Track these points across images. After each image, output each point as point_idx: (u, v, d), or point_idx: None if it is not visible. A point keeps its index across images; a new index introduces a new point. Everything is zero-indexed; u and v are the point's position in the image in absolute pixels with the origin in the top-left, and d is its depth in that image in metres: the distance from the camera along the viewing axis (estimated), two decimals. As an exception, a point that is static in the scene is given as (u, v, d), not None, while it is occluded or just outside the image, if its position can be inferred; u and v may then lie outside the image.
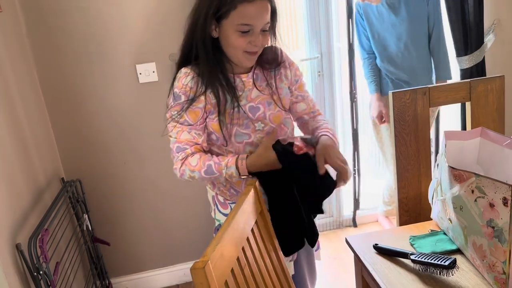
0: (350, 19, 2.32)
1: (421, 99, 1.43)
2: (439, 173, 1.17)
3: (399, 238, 1.25)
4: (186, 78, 1.21)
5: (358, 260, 1.21)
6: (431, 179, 1.50)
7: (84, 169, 2.12)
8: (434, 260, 1.05)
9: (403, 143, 1.45)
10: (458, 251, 1.14)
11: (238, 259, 0.92)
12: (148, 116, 2.12)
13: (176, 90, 1.23)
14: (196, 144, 1.24)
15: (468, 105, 1.46)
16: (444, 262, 1.03)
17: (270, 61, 1.31)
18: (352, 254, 1.25)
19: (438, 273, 1.05)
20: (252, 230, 1.03)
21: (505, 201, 0.90)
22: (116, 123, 2.11)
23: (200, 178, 1.24)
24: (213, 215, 1.45)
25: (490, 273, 0.98)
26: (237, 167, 1.17)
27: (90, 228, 2.04)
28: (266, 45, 1.26)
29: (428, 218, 1.51)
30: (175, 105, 1.23)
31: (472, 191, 1.00)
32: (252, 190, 1.07)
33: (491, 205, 0.94)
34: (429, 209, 1.53)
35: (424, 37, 2.20)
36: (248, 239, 0.99)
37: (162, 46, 2.04)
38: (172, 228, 2.31)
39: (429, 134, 1.48)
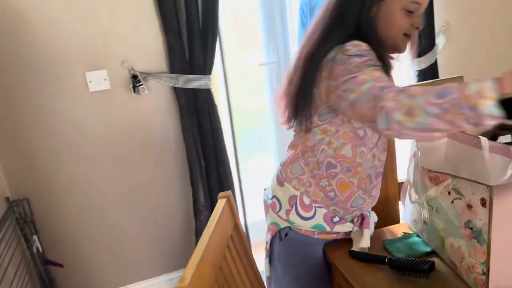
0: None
1: (386, 101, 1.43)
2: (412, 175, 1.17)
3: (373, 242, 1.23)
4: (362, 46, 1.01)
5: (334, 268, 1.17)
6: (397, 182, 1.51)
7: (32, 187, 1.96)
8: (412, 264, 1.04)
9: (369, 146, 1.44)
10: (433, 253, 1.14)
11: (216, 279, 0.86)
12: (100, 127, 2.00)
13: (357, 50, 0.99)
14: None
15: (430, 106, 1.48)
16: (423, 266, 1.02)
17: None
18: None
19: (416, 277, 1.04)
20: (227, 246, 0.97)
21: (483, 202, 0.90)
22: (65, 135, 1.97)
23: (425, 108, 0.79)
24: (283, 215, 1.17)
25: (469, 274, 0.98)
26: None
27: (40, 250, 1.89)
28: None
29: (396, 221, 1.52)
30: (363, 61, 0.97)
31: (449, 193, 0.99)
32: (226, 202, 1.01)
33: (469, 206, 0.94)
34: (397, 212, 1.53)
35: None
36: (225, 256, 0.93)
37: (113, 52, 1.94)
38: (129, 245, 2.19)
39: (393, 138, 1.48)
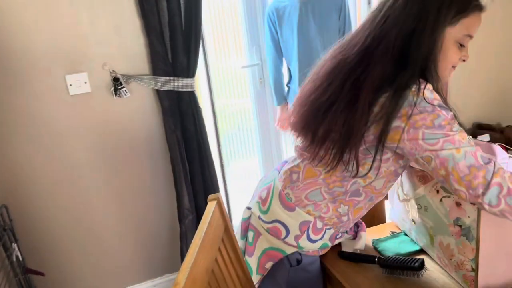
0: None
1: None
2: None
3: (361, 242, 1.24)
4: (434, 93, 0.94)
5: (325, 269, 1.17)
6: (383, 181, 1.52)
7: (10, 193, 1.90)
8: (402, 263, 1.05)
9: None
10: (421, 251, 1.15)
11: (209, 283, 0.85)
12: (81, 131, 1.96)
13: (438, 102, 0.92)
14: None
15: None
16: (413, 264, 1.03)
17: None
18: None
19: (407, 275, 1.05)
20: (219, 249, 0.96)
21: (471, 200, 0.91)
22: (45, 140, 1.92)
23: None
24: (291, 242, 1.11)
25: (458, 271, 0.99)
26: None
27: (20, 258, 1.83)
28: None
29: (382, 220, 1.53)
30: (450, 117, 0.92)
31: (437, 191, 1.01)
32: (216, 204, 0.99)
33: (458, 204, 0.95)
34: (382, 211, 1.55)
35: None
36: (216, 260, 0.92)
37: (93, 54, 1.90)
38: (111, 251, 2.15)
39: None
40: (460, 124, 0.93)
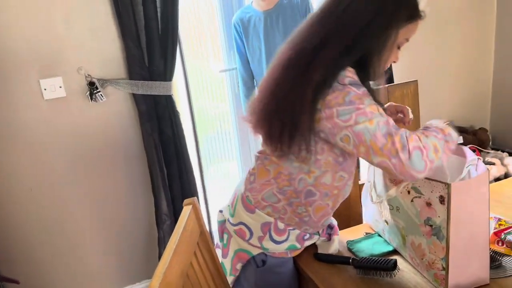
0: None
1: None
2: (372, 176, 1.20)
3: (337, 244, 1.25)
4: (354, 73, 0.99)
5: (301, 271, 1.18)
6: (358, 183, 1.55)
7: (-18, 200, 1.87)
8: (376, 263, 1.06)
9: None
10: (394, 252, 1.17)
11: (183, 287, 0.85)
12: (56, 136, 1.93)
13: (350, 79, 0.96)
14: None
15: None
16: (387, 264, 1.05)
17: None
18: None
19: (381, 276, 1.07)
20: (194, 253, 0.96)
21: (441, 199, 0.94)
22: (19, 146, 1.88)
23: (438, 142, 0.96)
24: (255, 243, 1.13)
25: (429, 270, 1.01)
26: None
27: (-7, 267, 1.79)
28: None
29: (358, 221, 1.55)
30: (362, 92, 0.96)
31: (408, 192, 1.03)
32: (192, 209, 0.99)
33: (428, 204, 0.98)
34: (358, 213, 1.57)
35: None
36: (191, 264, 0.92)
37: (68, 58, 1.88)
38: (88, 257, 2.12)
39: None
40: (377, 101, 0.99)
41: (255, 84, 2.30)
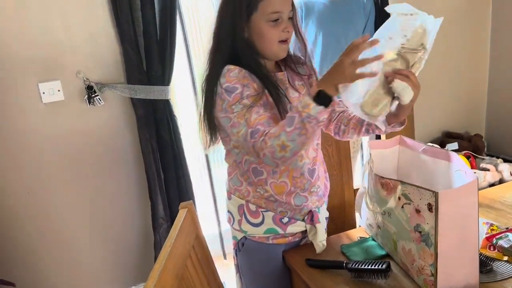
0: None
1: (340, 111, 1.49)
2: (366, 182, 1.22)
3: (330, 248, 1.27)
4: (233, 71, 1.10)
5: (295, 275, 1.20)
6: (353, 188, 1.57)
7: (-20, 202, 1.88)
8: (370, 266, 1.08)
9: (325, 154, 1.49)
10: (387, 256, 1.19)
11: (178, 289, 0.86)
12: (54, 139, 1.95)
13: (227, 85, 1.09)
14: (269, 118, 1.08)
15: (382, 115, 1.55)
16: (381, 266, 1.06)
17: (297, 58, 1.25)
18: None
19: (374, 278, 1.09)
20: (189, 255, 0.98)
21: (429, 207, 0.96)
22: (16, 149, 1.90)
23: (289, 138, 1.01)
24: (236, 227, 1.24)
25: (419, 276, 1.03)
26: (309, 95, 1.00)
27: (-10, 269, 1.80)
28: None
29: (352, 226, 1.57)
30: (233, 99, 1.07)
31: (399, 198, 1.05)
32: (187, 212, 1.01)
33: (417, 211, 1.00)
34: (353, 217, 1.59)
35: None
36: (186, 266, 0.93)
37: (67, 62, 1.90)
38: (85, 260, 2.13)
39: (349, 145, 1.54)
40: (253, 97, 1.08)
41: None
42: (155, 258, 2.17)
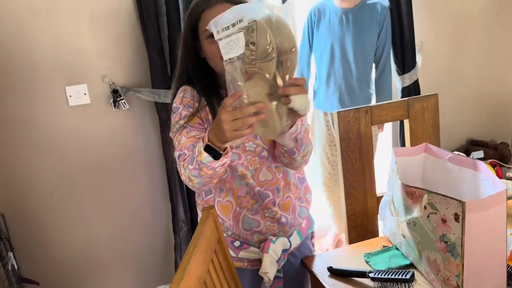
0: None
1: (364, 117, 1.48)
2: (391, 190, 1.20)
3: (353, 256, 1.26)
4: (183, 93, 1.18)
5: (317, 283, 1.19)
6: (375, 195, 1.55)
7: (7, 202, 1.92)
8: (394, 275, 1.06)
9: (348, 161, 1.48)
10: (411, 265, 1.17)
11: (201, 294, 0.87)
12: (80, 142, 1.98)
13: (174, 105, 1.18)
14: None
15: (406, 122, 1.53)
16: (405, 276, 1.05)
17: None
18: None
19: (398, 287, 1.07)
20: (211, 260, 0.98)
21: (456, 217, 0.94)
22: (43, 150, 1.94)
23: (192, 174, 1.05)
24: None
25: (444, 286, 1.01)
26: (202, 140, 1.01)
27: (16, 267, 1.84)
28: None
29: (375, 233, 1.55)
30: (173, 119, 1.17)
31: (425, 207, 1.03)
32: (210, 216, 1.02)
33: (443, 221, 0.98)
34: (375, 225, 1.57)
35: (369, 61, 2.25)
36: (209, 271, 0.94)
37: (93, 66, 1.93)
38: (106, 262, 2.16)
39: (372, 151, 1.53)
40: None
41: (321, 82, 2.34)
42: (175, 260, 2.19)
